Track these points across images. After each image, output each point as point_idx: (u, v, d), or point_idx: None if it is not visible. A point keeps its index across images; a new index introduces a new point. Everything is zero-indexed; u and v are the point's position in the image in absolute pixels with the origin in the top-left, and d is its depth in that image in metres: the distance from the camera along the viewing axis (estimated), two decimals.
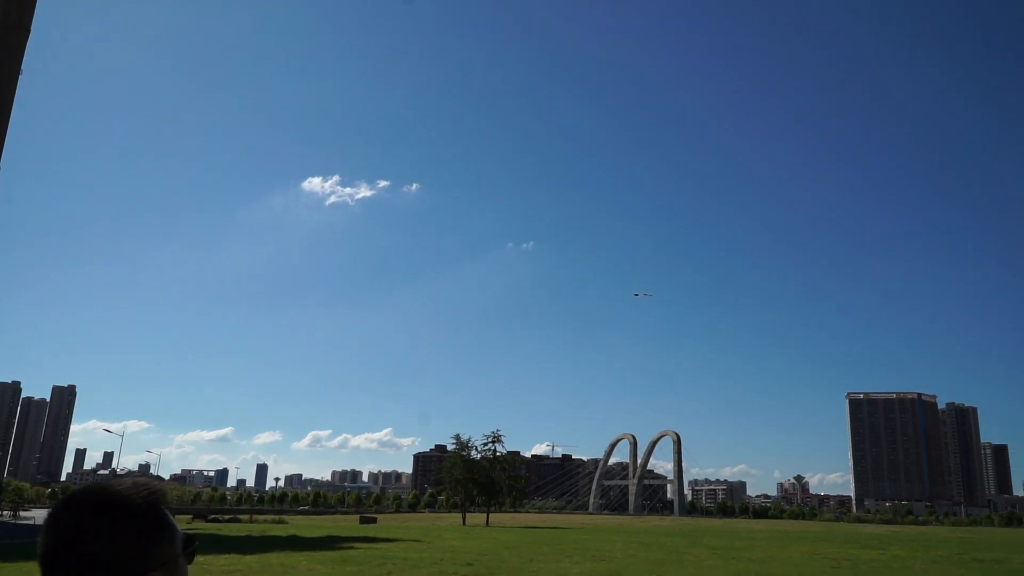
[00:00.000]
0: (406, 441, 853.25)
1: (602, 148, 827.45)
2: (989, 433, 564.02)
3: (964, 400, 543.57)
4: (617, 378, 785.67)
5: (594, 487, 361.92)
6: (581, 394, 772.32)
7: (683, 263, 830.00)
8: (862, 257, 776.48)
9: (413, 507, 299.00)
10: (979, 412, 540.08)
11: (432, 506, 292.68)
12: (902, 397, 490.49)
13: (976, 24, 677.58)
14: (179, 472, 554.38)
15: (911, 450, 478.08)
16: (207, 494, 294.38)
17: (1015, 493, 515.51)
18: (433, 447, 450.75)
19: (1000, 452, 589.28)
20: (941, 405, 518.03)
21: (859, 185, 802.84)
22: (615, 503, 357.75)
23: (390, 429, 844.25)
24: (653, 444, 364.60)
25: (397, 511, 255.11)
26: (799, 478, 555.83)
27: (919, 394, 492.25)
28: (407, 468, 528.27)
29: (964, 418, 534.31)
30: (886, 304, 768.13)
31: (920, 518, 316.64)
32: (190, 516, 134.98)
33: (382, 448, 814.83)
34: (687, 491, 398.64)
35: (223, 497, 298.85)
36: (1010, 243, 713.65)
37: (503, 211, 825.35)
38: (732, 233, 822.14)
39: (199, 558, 36.73)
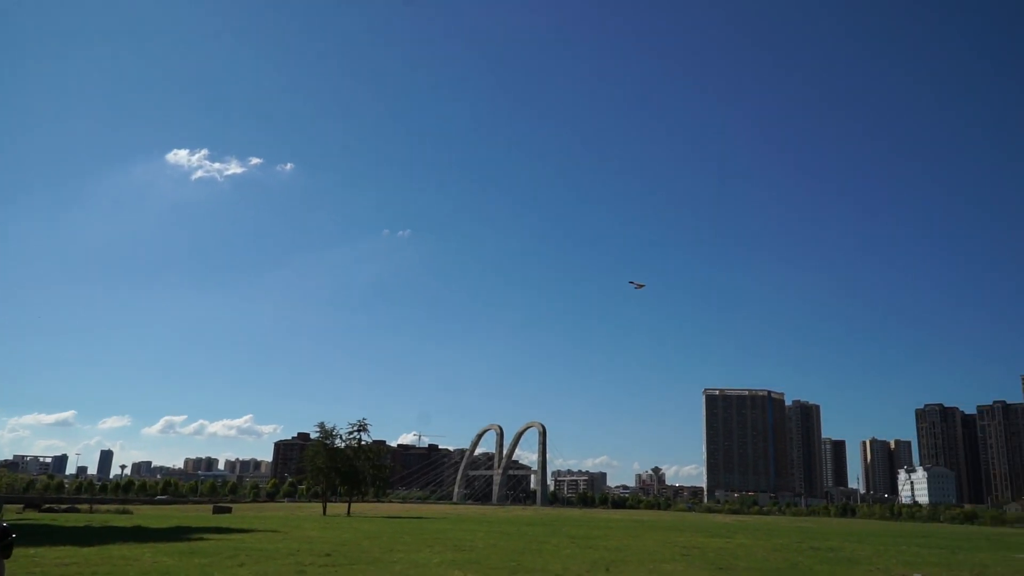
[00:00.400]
0: (267, 428, 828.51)
1: (484, 141, 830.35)
2: (829, 429, 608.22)
3: (808, 398, 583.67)
4: (487, 370, 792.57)
5: (459, 477, 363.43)
6: (451, 385, 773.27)
7: (554, 259, 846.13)
8: (722, 259, 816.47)
9: (272, 496, 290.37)
10: (821, 410, 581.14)
11: (292, 496, 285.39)
12: (754, 394, 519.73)
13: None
14: (10, 458, 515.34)
15: (759, 444, 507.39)
16: (42, 482, 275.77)
17: (850, 486, 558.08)
18: (296, 435, 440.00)
19: (838, 447, 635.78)
20: (788, 402, 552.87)
21: (718, 188, 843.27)
22: (480, 493, 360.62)
23: (251, 416, 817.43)
24: (519, 435, 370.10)
25: (254, 501, 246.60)
26: (656, 470, 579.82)
27: (769, 391, 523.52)
28: (267, 456, 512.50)
29: (808, 415, 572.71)
30: (743, 305, 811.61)
31: (765, 508, 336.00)
32: (21, 505, 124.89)
33: (242, 435, 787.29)
34: (550, 482, 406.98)
35: (60, 485, 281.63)
36: (852, 252, 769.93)
37: (381, 197, 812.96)
38: (600, 231, 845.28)
39: (27, 551, 33.82)
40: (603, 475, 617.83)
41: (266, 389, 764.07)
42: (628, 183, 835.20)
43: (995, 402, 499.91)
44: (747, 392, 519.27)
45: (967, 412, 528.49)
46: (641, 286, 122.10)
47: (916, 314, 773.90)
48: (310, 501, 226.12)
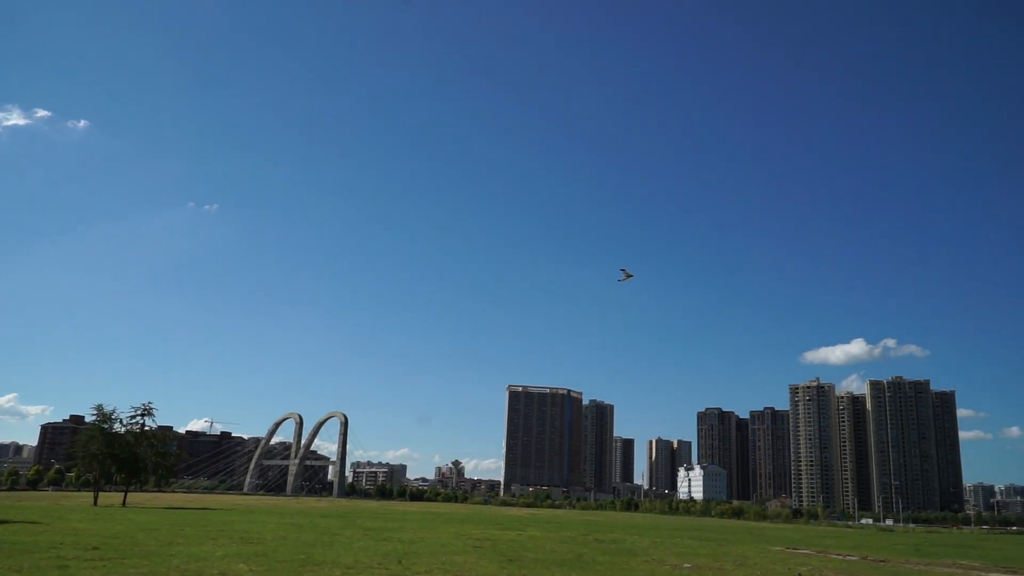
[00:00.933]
0: (34, 409, 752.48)
1: (303, 115, 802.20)
2: (621, 428, 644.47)
3: (604, 398, 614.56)
4: (289, 356, 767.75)
5: (252, 466, 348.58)
6: (249, 371, 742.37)
7: (361, 247, 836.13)
8: (530, 262, 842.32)
9: (34, 484, 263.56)
10: (615, 410, 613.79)
11: (58, 484, 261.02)
12: (555, 392, 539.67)
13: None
14: None
15: (556, 441, 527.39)
16: None
17: (635, 481, 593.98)
18: (68, 417, 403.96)
19: (628, 445, 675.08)
20: (586, 401, 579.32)
21: (532, 189, 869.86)
22: (274, 484, 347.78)
23: (15, 395, 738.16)
24: (320, 425, 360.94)
25: (12, 489, 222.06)
26: (456, 463, 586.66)
27: (569, 391, 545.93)
28: (32, 440, 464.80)
29: (603, 414, 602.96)
30: (550, 307, 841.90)
31: (557, 502, 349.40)
32: None
33: (3, 416, 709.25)
34: (349, 473, 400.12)
35: None
36: (649, 265, 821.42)
37: (188, 166, 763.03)
38: (410, 221, 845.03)
39: None
40: (403, 467, 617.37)
41: (36, 366, 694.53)
42: (438, 170, 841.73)
43: (765, 408, 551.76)
44: (548, 390, 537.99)
45: (741, 416, 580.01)
46: (629, 276, 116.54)
47: (702, 326, 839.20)
48: (80, 490, 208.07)
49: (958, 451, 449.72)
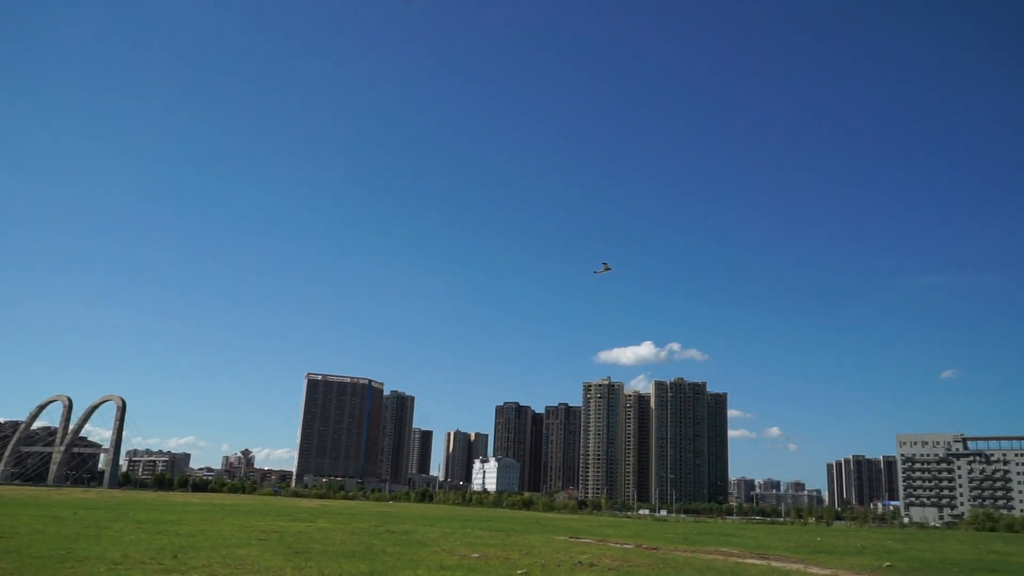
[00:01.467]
0: None
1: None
2: (421, 420, 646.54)
3: (406, 389, 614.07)
4: (55, 332, 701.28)
5: (7, 453, 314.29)
6: (9, 349, 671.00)
7: (144, 222, 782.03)
8: (336, 247, 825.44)
9: None
10: (416, 401, 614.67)
11: None
12: (355, 381, 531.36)
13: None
14: None
15: (354, 431, 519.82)
16: None
17: (432, 473, 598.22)
18: None
19: (426, 437, 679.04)
20: (387, 392, 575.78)
21: (351, 181, 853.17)
22: (33, 473, 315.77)
23: None
24: (92, 409, 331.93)
25: None
26: (246, 452, 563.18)
27: (370, 380, 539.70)
28: None
29: (403, 405, 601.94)
30: (352, 295, 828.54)
31: (351, 493, 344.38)
32: None
33: None
34: (124, 462, 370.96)
35: None
36: (455, 253, 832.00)
37: None
38: (204, 199, 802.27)
39: None
40: (187, 456, 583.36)
41: None
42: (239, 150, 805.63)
43: (560, 404, 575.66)
44: (349, 379, 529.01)
45: (537, 411, 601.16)
46: (607, 269, 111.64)
47: (505, 322, 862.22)
48: None
49: (726, 448, 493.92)
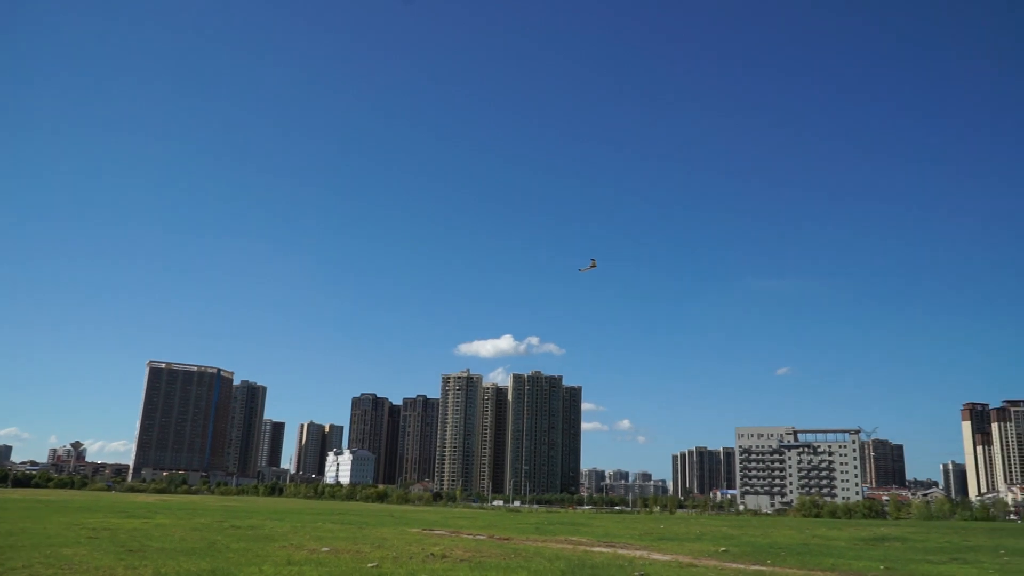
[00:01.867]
0: None
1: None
2: (273, 411, 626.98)
3: (258, 379, 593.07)
4: None
5: None
6: None
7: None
8: (176, 229, 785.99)
9: None
10: (267, 391, 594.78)
11: None
12: (203, 370, 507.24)
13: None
14: None
15: (199, 422, 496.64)
16: None
17: (283, 466, 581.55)
18: None
19: (278, 428, 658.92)
20: (237, 382, 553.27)
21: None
22: None
23: None
24: None
25: None
26: (76, 444, 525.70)
27: (219, 369, 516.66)
28: None
29: (253, 395, 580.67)
30: (199, 281, 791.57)
31: (194, 487, 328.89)
32: None
33: None
34: None
35: None
36: (315, 242, 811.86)
37: None
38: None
39: None
40: (7, 449, 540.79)
41: None
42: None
43: (418, 396, 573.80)
44: (196, 368, 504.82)
45: (395, 403, 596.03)
46: (593, 266, 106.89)
47: (364, 312, 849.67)
48: None
49: (580, 440, 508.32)
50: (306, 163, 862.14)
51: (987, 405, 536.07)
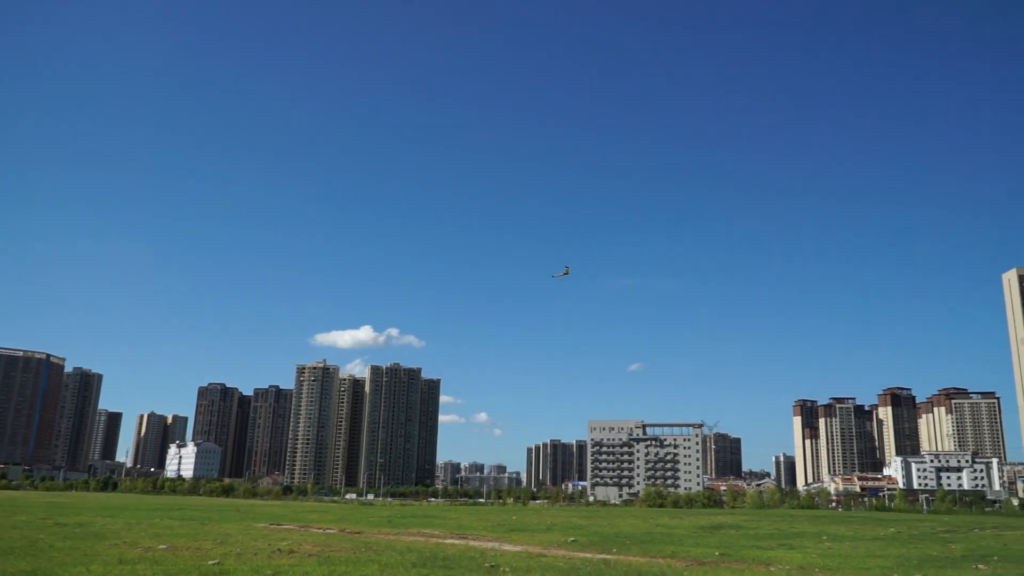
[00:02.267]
0: None
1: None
2: (108, 401, 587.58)
3: (92, 366, 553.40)
4: None
5: None
6: None
7: None
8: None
9: None
10: (104, 380, 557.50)
11: None
12: (29, 355, 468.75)
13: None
14: None
15: (24, 411, 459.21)
16: None
17: (119, 459, 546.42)
18: None
19: (114, 419, 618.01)
20: (69, 369, 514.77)
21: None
22: None
23: None
24: None
25: None
26: None
27: (48, 354, 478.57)
28: None
29: (87, 384, 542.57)
30: (25, 260, 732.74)
31: (15, 483, 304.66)
32: None
33: None
34: None
35: None
36: (158, 225, 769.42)
37: None
38: None
39: None
40: None
41: None
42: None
43: (271, 386, 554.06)
44: (21, 353, 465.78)
45: (245, 393, 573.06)
46: (567, 272, 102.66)
47: (213, 300, 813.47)
48: None
49: (436, 432, 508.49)
50: (150, 143, 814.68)
51: (816, 402, 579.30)
